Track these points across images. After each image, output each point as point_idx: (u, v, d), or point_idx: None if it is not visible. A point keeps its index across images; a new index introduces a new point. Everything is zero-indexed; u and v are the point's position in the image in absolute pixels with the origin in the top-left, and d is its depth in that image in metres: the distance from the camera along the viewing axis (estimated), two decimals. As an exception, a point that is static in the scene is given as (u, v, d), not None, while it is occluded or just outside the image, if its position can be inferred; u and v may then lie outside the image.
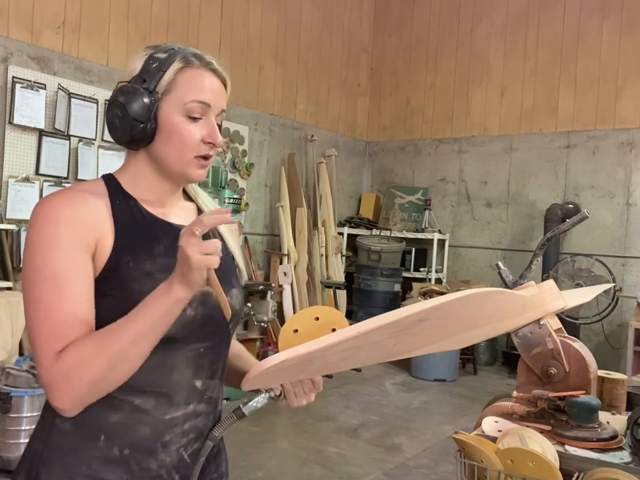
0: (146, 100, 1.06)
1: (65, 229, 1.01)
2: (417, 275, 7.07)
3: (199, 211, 1.22)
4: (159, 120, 1.08)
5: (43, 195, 4.56)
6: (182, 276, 0.93)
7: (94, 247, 1.03)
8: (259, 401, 1.10)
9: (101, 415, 1.04)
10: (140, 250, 1.07)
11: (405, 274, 7.02)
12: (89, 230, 1.03)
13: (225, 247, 1.20)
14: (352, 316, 6.79)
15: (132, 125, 1.06)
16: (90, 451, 1.05)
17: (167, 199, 1.16)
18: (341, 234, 7.16)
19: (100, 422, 1.05)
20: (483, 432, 1.41)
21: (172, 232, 1.09)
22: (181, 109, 1.08)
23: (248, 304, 4.84)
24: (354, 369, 4.72)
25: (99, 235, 1.04)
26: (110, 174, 1.14)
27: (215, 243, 0.93)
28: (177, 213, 1.17)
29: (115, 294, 1.04)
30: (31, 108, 4.48)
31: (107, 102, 4.90)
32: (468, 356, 6.41)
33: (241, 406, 1.10)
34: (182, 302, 0.96)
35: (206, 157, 1.11)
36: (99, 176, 1.16)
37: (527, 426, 1.37)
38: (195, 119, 1.09)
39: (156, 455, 1.07)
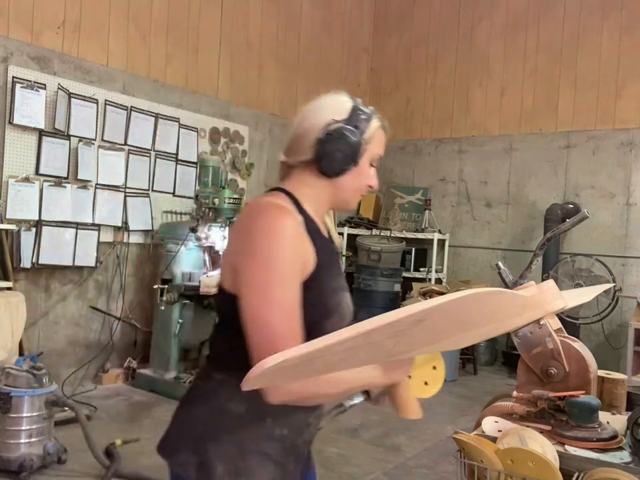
0: (362, 146, 1.30)
1: (291, 244, 1.18)
2: (417, 274, 7.07)
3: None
4: (357, 162, 1.31)
5: (43, 196, 4.56)
6: (387, 381, 1.24)
7: (304, 264, 1.22)
8: (357, 397, 1.29)
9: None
10: (328, 268, 1.29)
11: (405, 274, 7.01)
12: (304, 248, 1.23)
13: (337, 248, 1.44)
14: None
15: (348, 162, 1.29)
16: (258, 430, 1.24)
17: (321, 220, 1.38)
18: (341, 234, 7.16)
19: (268, 407, 1.17)
20: (483, 432, 1.41)
21: (336, 251, 1.39)
22: (369, 158, 1.34)
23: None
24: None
25: (308, 253, 1.24)
26: (287, 190, 1.32)
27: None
28: (323, 224, 1.39)
29: (311, 304, 1.22)
30: (30, 108, 4.48)
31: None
32: (468, 356, 6.41)
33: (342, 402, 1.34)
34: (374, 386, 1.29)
35: (362, 195, 1.40)
36: (273, 189, 1.35)
37: (527, 426, 1.37)
38: (371, 167, 1.36)
39: (302, 434, 1.32)
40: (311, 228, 1.27)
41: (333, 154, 1.28)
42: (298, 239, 1.21)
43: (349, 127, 1.29)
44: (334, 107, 1.34)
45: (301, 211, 1.28)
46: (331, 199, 1.34)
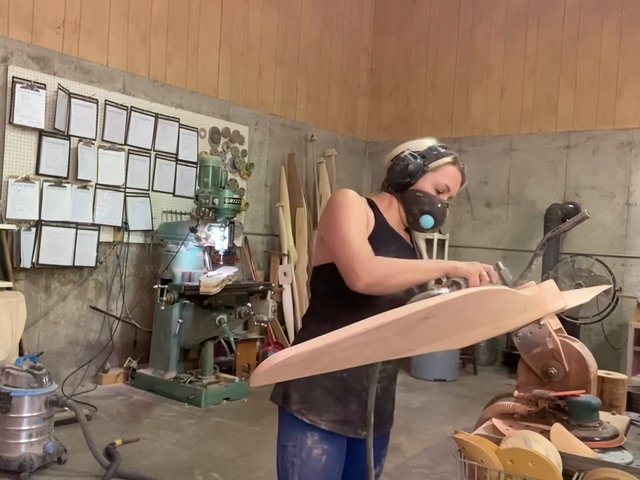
0: (419, 169, 1.71)
1: (355, 198, 1.65)
2: (417, 275, 7.06)
3: (409, 236, 1.85)
4: (417, 182, 1.72)
5: (43, 195, 4.57)
6: (456, 267, 1.49)
7: (368, 217, 1.67)
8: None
9: None
10: (384, 242, 1.68)
11: (405, 274, 7.00)
12: (367, 209, 1.68)
13: (419, 252, 1.84)
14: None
15: (403, 176, 1.71)
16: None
17: (399, 224, 1.79)
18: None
19: None
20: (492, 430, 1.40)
21: (401, 240, 1.77)
22: (433, 183, 1.72)
23: (248, 304, 4.83)
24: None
25: (369, 220, 1.67)
26: (371, 199, 1.77)
27: (487, 282, 1.49)
28: (404, 233, 1.81)
29: None
30: (30, 108, 4.48)
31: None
32: (468, 356, 6.41)
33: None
34: (440, 272, 1.51)
35: None
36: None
37: (528, 426, 1.37)
38: (438, 193, 1.73)
39: (361, 380, 1.68)
40: (379, 217, 1.71)
41: (393, 169, 1.73)
42: (360, 200, 1.67)
43: (415, 155, 1.71)
44: (416, 143, 1.77)
45: (374, 208, 1.72)
46: (401, 212, 1.75)
